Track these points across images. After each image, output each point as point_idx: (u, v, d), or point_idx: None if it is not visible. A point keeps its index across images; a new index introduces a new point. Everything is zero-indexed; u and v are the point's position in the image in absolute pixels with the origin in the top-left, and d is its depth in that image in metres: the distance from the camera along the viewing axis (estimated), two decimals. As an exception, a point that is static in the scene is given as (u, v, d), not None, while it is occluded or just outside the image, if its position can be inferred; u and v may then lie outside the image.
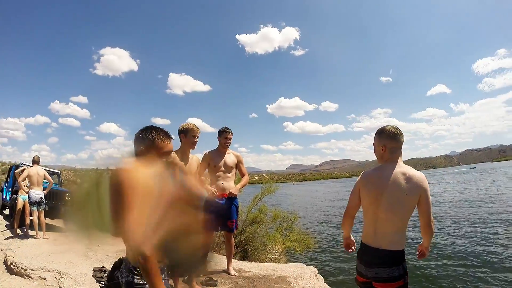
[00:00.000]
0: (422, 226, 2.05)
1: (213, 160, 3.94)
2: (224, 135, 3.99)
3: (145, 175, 1.43)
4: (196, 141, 3.42)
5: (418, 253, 2.24)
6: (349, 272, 6.94)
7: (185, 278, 3.43)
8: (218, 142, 4.02)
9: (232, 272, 4.00)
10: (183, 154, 3.39)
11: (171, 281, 3.17)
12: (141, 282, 1.44)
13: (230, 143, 4.02)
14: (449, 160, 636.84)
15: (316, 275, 4.04)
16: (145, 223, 1.32)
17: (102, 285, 3.60)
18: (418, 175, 1.99)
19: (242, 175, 4.19)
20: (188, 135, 3.37)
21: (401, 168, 2.01)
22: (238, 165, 4.10)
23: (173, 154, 3.16)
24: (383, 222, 2.02)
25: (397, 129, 2.09)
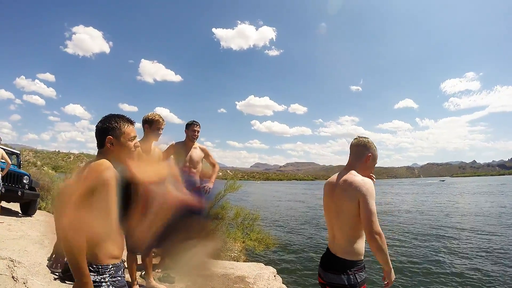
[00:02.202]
0: (366, 238, 1.92)
1: (179, 153, 3.83)
2: (191, 127, 3.89)
3: (109, 173, 1.45)
4: (160, 133, 3.30)
5: (383, 280, 2.04)
6: (307, 273, 7.05)
7: (142, 273, 3.35)
8: (186, 134, 3.92)
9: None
10: (145, 145, 3.23)
11: (127, 277, 3.08)
12: (97, 279, 1.41)
13: (197, 136, 3.92)
14: (411, 172, 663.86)
15: (275, 276, 4.08)
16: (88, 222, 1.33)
17: (56, 276, 3.42)
18: (357, 181, 1.96)
19: (213, 165, 4.08)
20: (152, 127, 3.23)
21: (346, 175, 2.03)
22: (206, 157, 4.02)
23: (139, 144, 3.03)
24: (336, 229, 2.05)
25: (356, 138, 2.17)
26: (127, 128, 1.61)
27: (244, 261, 4.68)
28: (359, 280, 1.94)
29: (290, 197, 36.74)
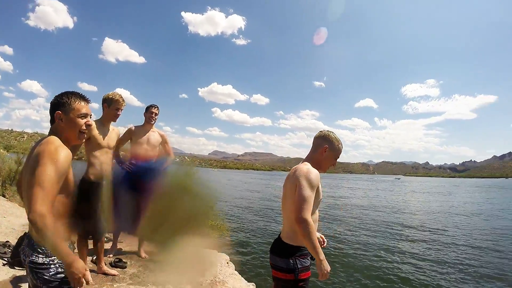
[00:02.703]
0: (294, 223, 1.90)
1: (137, 136, 3.82)
2: (149, 109, 3.90)
3: (65, 153, 1.42)
4: (118, 114, 3.21)
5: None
6: (260, 261, 7.28)
7: (94, 258, 3.35)
8: (144, 118, 3.92)
9: (143, 254, 3.98)
10: (103, 125, 3.17)
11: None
12: (45, 262, 1.40)
13: (155, 118, 3.93)
14: (366, 168, 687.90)
15: (227, 262, 4.19)
16: (50, 196, 1.31)
17: (5, 262, 3.31)
18: (302, 168, 2.02)
19: (167, 154, 4.08)
20: (111, 106, 3.15)
21: (299, 164, 2.11)
22: (162, 144, 4.02)
23: (92, 123, 2.99)
24: (284, 215, 2.15)
25: (321, 131, 2.22)
26: (77, 104, 1.56)
27: (198, 249, 4.76)
28: (299, 266, 1.97)
29: (246, 186, 37.09)
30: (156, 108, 3.93)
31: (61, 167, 1.38)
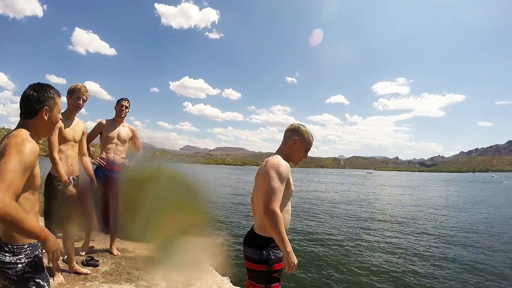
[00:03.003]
0: (263, 214, 1.94)
1: (107, 130, 3.75)
2: (120, 102, 3.84)
3: (31, 146, 1.37)
4: (80, 104, 3.05)
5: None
6: (233, 254, 7.32)
7: (65, 257, 3.29)
8: (115, 111, 3.86)
9: (115, 252, 3.94)
10: (67, 117, 3.03)
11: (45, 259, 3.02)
12: (12, 260, 1.38)
13: (126, 112, 3.87)
14: (337, 163, 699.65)
15: (201, 256, 4.23)
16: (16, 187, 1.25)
17: None
18: (273, 160, 2.05)
19: (137, 149, 4.02)
20: (73, 96, 3.03)
21: (270, 157, 2.14)
22: (133, 139, 3.96)
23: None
24: (255, 207, 2.18)
25: (292, 124, 2.26)
26: (58, 99, 1.56)
27: (171, 244, 4.77)
28: (272, 257, 2.00)
29: (218, 181, 37.00)
30: (127, 101, 3.86)
31: (26, 160, 1.32)
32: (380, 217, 14.23)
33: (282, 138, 2.26)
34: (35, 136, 1.46)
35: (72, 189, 2.91)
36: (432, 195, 28.61)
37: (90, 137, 3.63)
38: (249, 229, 2.26)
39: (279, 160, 2.04)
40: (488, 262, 7.91)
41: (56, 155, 2.87)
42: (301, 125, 2.23)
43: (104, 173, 3.68)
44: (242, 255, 2.22)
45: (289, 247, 1.92)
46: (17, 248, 1.39)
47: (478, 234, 11.17)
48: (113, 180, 3.71)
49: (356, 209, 16.69)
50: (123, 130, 3.84)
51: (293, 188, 2.10)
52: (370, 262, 7.64)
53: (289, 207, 2.13)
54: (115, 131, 3.78)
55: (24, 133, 1.42)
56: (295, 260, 1.94)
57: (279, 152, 2.20)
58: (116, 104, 3.84)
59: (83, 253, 3.71)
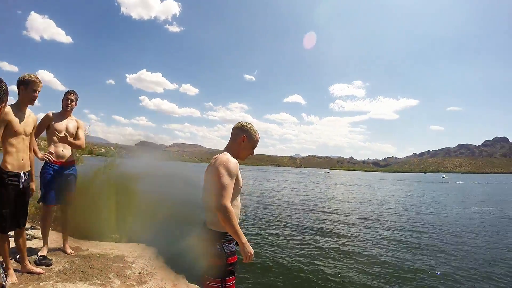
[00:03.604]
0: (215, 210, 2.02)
1: (55, 123, 3.70)
2: (65, 95, 3.80)
3: None
4: (36, 96, 3.00)
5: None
6: (184, 249, 7.29)
7: (17, 257, 3.26)
8: (62, 104, 3.83)
9: (69, 250, 3.93)
10: (19, 109, 2.92)
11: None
12: None
13: (72, 105, 3.81)
14: (293, 161, 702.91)
15: (156, 256, 4.27)
16: None
17: None
18: (222, 157, 2.14)
19: (78, 141, 3.83)
20: (28, 88, 2.93)
21: (219, 154, 2.21)
22: (77, 130, 3.86)
23: (8, 109, 2.77)
24: (206, 203, 2.21)
25: (239, 122, 2.36)
26: (7, 94, 1.61)
27: (125, 243, 4.81)
28: (226, 251, 2.09)
29: (174, 178, 36.29)
30: (73, 94, 3.81)
31: None
32: (338, 215, 14.50)
33: (230, 135, 2.35)
34: None
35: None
36: (389, 194, 29.74)
37: (38, 130, 3.50)
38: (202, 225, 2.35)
39: (228, 157, 2.14)
40: (434, 260, 8.21)
41: None
42: (248, 123, 2.35)
43: (55, 169, 3.65)
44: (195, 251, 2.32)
45: (244, 238, 2.04)
46: None
47: (431, 233, 11.58)
48: (65, 176, 3.74)
49: (315, 208, 16.88)
50: (71, 123, 3.80)
51: (241, 184, 2.21)
52: (324, 262, 7.72)
53: (238, 202, 2.23)
54: (63, 124, 3.73)
55: None
56: (251, 250, 2.07)
57: (227, 149, 2.29)
58: (63, 97, 3.80)
59: (41, 253, 3.61)
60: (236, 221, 2.03)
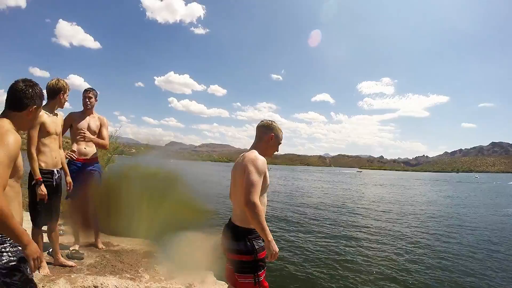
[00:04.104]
0: (244, 207, 2.05)
1: (77, 122, 3.73)
2: (83, 94, 3.80)
3: (15, 137, 1.42)
4: (66, 100, 3.17)
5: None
6: (218, 249, 7.32)
7: (50, 250, 3.35)
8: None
9: (100, 245, 4.02)
10: (50, 111, 3.08)
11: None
12: None
13: (90, 103, 3.81)
14: (322, 161, 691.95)
15: (185, 252, 4.26)
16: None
17: None
18: (250, 155, 2.17)
19: (102, 140, 3.91)
20: (62, 93, 3.09)
21: (247, 152, 2.24)
22: (100, 129, 3.89)
23: (40, 112, 2.94)
24: (234, 199, 2.27)
25: (263, 121, 2.39)
26: (39, 100, 1.62)
27: (154, 239, 4.84)
28: (256, 247, 2.11)
29: (204, 177, 36.81)
30: (91, 92, 3.81)
31: (12, 151, 1.37)
32: (367, 218, 14.26)
33: (256, 134, 2.38)
34: (15, 127, 1.51)
35: (43, 189, 2.88)
36: (419, 194, 29.18)
37: (62, 131, 3.62)
38: (226, 221, 2.37)
39: (256, 155, 2.16)
40: (473, 260, 8.13)
41: (33, 150, 2.88)
42: (272, 121, 2.39)
43: (78, 166, 3.69)
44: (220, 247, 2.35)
45: (270, 236, 2.05)
46: (1, 236, 1.40)
47: (467, 234, 11.35)
48: (88, 173, 3.77)
49: (344, 209, 16.70)
50: (93, 121, 3.84)
51: (268, 181, 2.23)
52: (357, 258, 7.77)
53: (265, 199, 2.23)
54: (84, 122, 3.76)
55: (7, 123, 1.47)
56: (276, 248, 2.07)
57: (254, 147, 2.31)
58: (82, 96, 3.81)
59: (72, 248, 3.70)
60: (263, 217, 2.04)
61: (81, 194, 3.71)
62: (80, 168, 3.71)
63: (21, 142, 1.46)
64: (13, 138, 1.41)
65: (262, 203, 2.12)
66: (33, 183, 2.90)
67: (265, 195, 2.24)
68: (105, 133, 3.93)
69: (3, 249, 1.39)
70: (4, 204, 1.26)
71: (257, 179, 2.06)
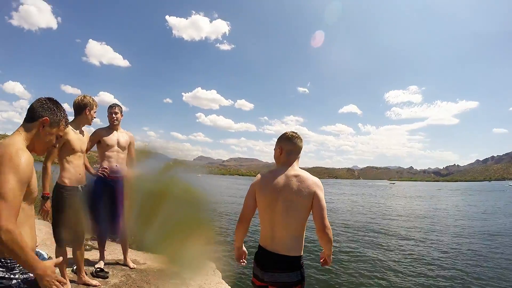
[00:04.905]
0: (317, 232, 1.95)
1: (105, 138, 3.59)
2: (108, 110, 3.69)
3: (26, 158, 1.30)
4: (94, 117, 3.14)
5: (321, 260, 2.18)
6: (247, 270, 7.16)
7: (74, 268, 3.20)
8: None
9: (131, 264, 3.80)
10: (77, 128, 3.04)
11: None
12: (6, 276, 1.30)
13: (116, 118, 3.67)
14: (351, 173, 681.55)
15: (214, 271, 4.06)
16: (13, 201, 1.21)
17: None
18: (311, 178, 2.02)
19: (130, 156, 3.79)
20: (89, 109, 3.05)
21: (295, 171, 2.04)
22: (129, 146, 3.77)
23: (67, 129, 2.86)
24: (279, 226, 1.99)
25: (296, 133, 2.16)
26: (62, 125, 1.51)
27: (183, 257, 4.62)
28: (304, 275, 2.01)
29: (232, 191, 36.84)
30: (116, 107, 3.69)
31: (23, 174, 1.26)
32: (395, 231, 14.00)
33: (296, 151, 2.15)
34: (29, 146, 1.41)
35: (48, 205, 2.86)
36: (452, 204, 28.77)
37: (88, 147, 3.46)
38: (257, 249, 2.15)
39: (315, 178, 2.05)
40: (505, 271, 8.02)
41: (49, 165, 2.83)
42: (297, 133, 2.22)
43: (109, 183, 3.51)
44: (252, 269, 2.17)
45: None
46: (10, 262, 1.31)
47: (498, 244, 11.13)
48: (119, 190, 3.56)
49: (386, 220, 16.99)
50: (122, 137, 3.70)
51: None
52: (390, 271, 7.71)
53: None
54: (113, 138, 3.62)
55: (18, 140, 1.36)
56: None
57: (290, 163, 2.10)
58: (107, 113, 3.70)
59: (98, 265, 3.54)
60: None
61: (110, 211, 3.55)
62: (110, 185, 3.53)
63: (33, 162, 1.34)
64: (25, 158, 1.29)
65: None
66: (41, 195, 2.81)
67: None
68: (132, 150, 3.80)
69: (12, 276, 1.31)
70: (18, 236, 1.18)
71: (325, 203, 2.00)
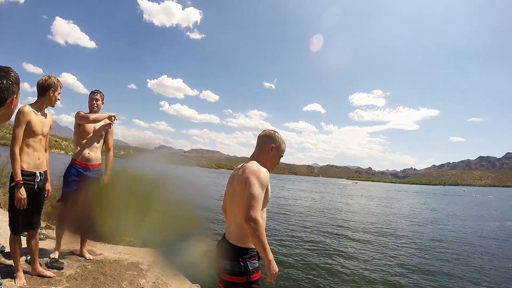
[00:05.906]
0: (241, 221, 1.90)
1: (82, 125, 3.53)
2: (90, 96, 3.65)
3: None
4: (58, 99, 2.98)
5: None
6: (204, 260, 7.15)
7: (28, 258, 3.13)
8: (88, 105, 3.67)
9: (87, 255, 3.76)
10: (39, 110, 2.88)
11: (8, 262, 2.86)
12: None
13: (98, 105, 3.64)
14: (311, 171, 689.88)
15: (171, 263, 4.09)
16: None
17: None
18: (252, 166, 2.00)
19: (108, 149, 3.77)
20: (54, 91, 2.91)
21: (247, 162, 2.10)
22: (106, 135, 3.73)
23: (28, 109, 2.76)
24: (230, 214, 2.09)
25: (265, 130, 2.23)
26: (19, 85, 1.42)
27: (140, 247, 4.59)
28: (250, 268, 1.96)
29: (193, 184, 36.42)
30: (98, 94, 3.65)
31: None
32: (351, 229, 14.40)
33: (257, 144, 2.21)
34: None
35: (22, 192, 2.67)
36: (403, 206, 29.96)
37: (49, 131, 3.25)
38: (219, 237, 2.21)
39: (259, 167, 2.00)
40: (459, 271, 8.45)
41: (17, 150, 2.68)
42: (276, 132, 2.22)
43: (79, 171, 3.49)
44: (211, 261, 2.21)
45: (271, 255, 1.90)
46: None
47: (454, 246, 11.74)
48: (88, 179, 3.54)
49: (335, 217, 17.16)
50: (99, 124, 3.64)
51: (270, 195, 2.07)
52: (344, 272, 7.79)
53: (265, 214, 2.05)
54: (90, 125, 3.57)
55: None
56: (276, 268, 1.92)
57: (254, 158, 2.15)
58: (88, 98, 3.64)
59: (52, 255, 3.44)
60: (265, 235, 1.87)
61: (74, 199, 3.48)
62: (80, 172, 3.50)
63: None
64: None
65: (262, 219, 1.94)
66: (12, 184, 2.70)
67: (265, 210, 2.06)
68: (110, 141, 3.76)
69: None
70: None
71: (259, 193, 1.88)
